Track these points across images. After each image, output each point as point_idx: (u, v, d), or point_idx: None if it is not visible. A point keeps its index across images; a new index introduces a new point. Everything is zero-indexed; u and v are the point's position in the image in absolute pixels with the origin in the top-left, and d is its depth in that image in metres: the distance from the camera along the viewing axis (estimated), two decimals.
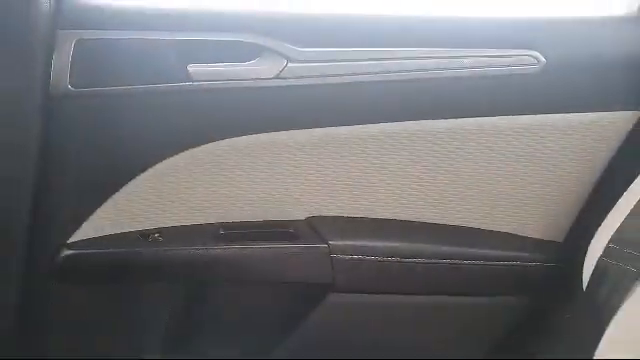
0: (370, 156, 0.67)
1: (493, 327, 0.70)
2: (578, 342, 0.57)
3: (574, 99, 0.63)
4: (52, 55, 0.60)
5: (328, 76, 0.62)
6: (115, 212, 0.66)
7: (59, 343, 0.71)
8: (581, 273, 0.58)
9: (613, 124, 0.63)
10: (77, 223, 0.65)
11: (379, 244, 0.67)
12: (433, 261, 0.67)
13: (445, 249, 0.67)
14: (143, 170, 0.64)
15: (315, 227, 0.69)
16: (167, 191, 0.67)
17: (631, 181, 0.58)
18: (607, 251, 0.57)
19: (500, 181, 0.66)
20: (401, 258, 0.66)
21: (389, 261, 0.66)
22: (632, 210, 0.56)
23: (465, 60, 0.61)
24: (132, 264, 0.67)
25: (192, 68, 0.62)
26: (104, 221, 0.66)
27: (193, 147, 0.65)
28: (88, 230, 0.66)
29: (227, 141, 0.66)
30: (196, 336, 0.67)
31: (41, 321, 0.69)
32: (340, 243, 0.66)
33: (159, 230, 0.67)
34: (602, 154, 0.65)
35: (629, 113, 0.63)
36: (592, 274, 0.57)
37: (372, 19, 0.66)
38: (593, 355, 0.51)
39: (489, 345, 0.72)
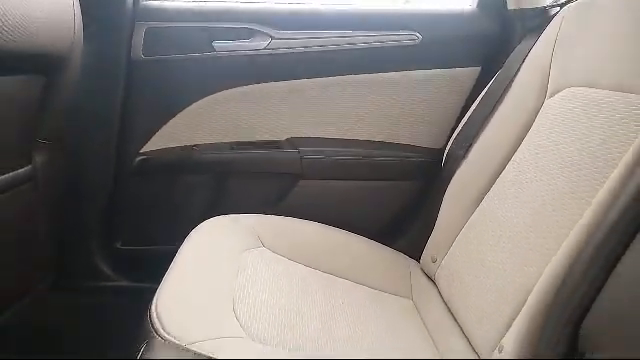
0: (324, 97, 1.09)
1: (397, 201, 1.13)
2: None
3: (439, 61, 1.07)
4: (132, 36, 1.01)
5: (296, 47, 1.04)
6: (169, 133, 1.08)
7: (134, 221, 1.13)
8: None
9: (463, 74, 1.07)
10: (147, 139, 1.07)
11: (330, 149, 1.10)
12: (363, 159, 1.10)
13: (372, 152, 1.11)
14: (187, 106, 1.06)
15: (292, 142, 1.11)
16: (200, 120, 1.08)
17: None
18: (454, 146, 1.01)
19: (398, 110, 1.09)
20: (344, 157, 1.10)
21: (336, 159, 1.10)
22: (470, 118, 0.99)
23: (373, 37, 1.03)
24: (180, 165, 1.09)
25: (215, 43, 1.03)
26: (162, 138, 1.08)
27: (215, 92, 1.07)
28: (153, 144, 1.08)
29: (236, 89, 1.07)
30: (222, 206, 1.09)
31: (123, 203, 1.11)
32: (306, 149, 1.09)
33: (196, 144, 1.09)
34: (457, 91, 1.08)
35: (472, 68, 1.07)
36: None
37: (321, 11, 1.07)
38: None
39: (392, 214, 1.15)
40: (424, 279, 0.97)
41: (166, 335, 0.59)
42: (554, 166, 0.73)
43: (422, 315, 0.88)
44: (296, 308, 0.76)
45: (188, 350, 0.57)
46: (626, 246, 0.51)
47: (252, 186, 1.10)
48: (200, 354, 0.56)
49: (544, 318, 0.59)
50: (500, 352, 0.66)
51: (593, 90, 0.74)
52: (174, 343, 0.58)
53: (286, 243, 0.94)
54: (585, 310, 0.53)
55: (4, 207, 0.81)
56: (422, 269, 0.99)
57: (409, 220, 1.12)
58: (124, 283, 1.12)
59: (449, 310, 0.84)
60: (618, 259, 0.51)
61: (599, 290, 0.53)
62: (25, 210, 0.89)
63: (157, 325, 0.60)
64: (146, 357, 0.57)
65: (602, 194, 0.58)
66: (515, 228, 0.75)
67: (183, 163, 1.08)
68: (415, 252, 1.02)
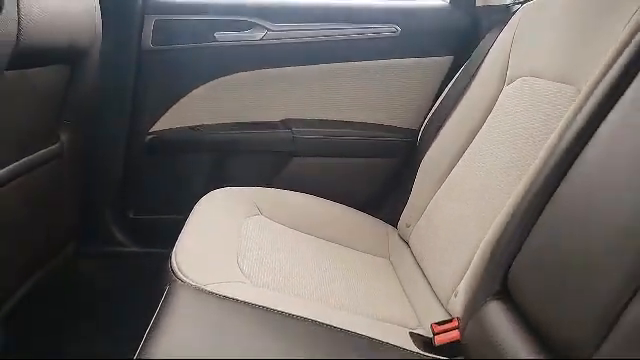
0: (314, 83, 1.22)
1: (379, 176, 1.28)
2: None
3: (415, 51, 1.20)
4: (142, 28, 1.13)
5: (289, 38, 1.17)
6: (176, 114, 1.20)
7: (145, 193, 1.26)
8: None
9: (437, 63, 1.21)
10: (156, 119, 1.20)
11: (319, 129, 1.23)
12: (347, 138, 1.24)
13: (356, 132, 1.24)
14: (191, 90, 1.19)
15: (285, 123, 1.24)
16: (203, 103, 1.21)
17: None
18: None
19: (379, 95, 1.22)
20: (332, 136, 1.23)
21: (325, 139, 1.23)
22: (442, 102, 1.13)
23: (357, 29, 1.16)
24: (186, 143, 1.22)
25: (217, 34, 1.15)
26: (170, 119, 1.21)
27: (216, 78, 1.20)
28: (162, 124, 1.20)
29: (235, 75, 1.20)
30: (223, 180, 1.22)
31: (135, 177, 1.24)
32: (299, 129, 1.23)
33: (200, 125, 1.22)
34: (432, 78, 1.22)
35: (445, 57, 1.20)
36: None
37: (311, 6, 1.19)
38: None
39: (374, 187, 1.29)
40: (400, 242, 1.12)
41: (185, 279, 0.73)
42: (502, 143, 0.88)
43: (396, 270, 1.04)
44: (291, 264, 0.91)
45: (203, 290, 0.71)
46: (544, 206, 0.66)
47: (250, 162, 1.24)
48: (212, 292, 0.71)
49: (486, 265, 0.74)
50: (455, 297, 0.81)
51: (540, 80, 0.88)
52: (191, 285, 0.72)
53: (281, 212, 1.08)
54: (513, 257, 0.69)
55: (37, 181, 0.94)
56: (398, 234, 1.15)
57: (389, 192, 1.27)
58: (136, 249, 1.26)
59: (418, 265, 0.99)
60: (538, 216, 0.66)
61: (523, 241, 0.68)
62: (54, 183, 1.02)
63: (177, 272, 0.75)
64: (169, 297, 0.71)
65: (532, 167, 0.73)
66: (473, 193, 0.90)
67: (188, 141, 1.21)
68: (394, 220, 1.17)
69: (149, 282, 0.81)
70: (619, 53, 0.71)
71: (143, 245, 1.26)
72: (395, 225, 1.16)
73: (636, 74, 0.66)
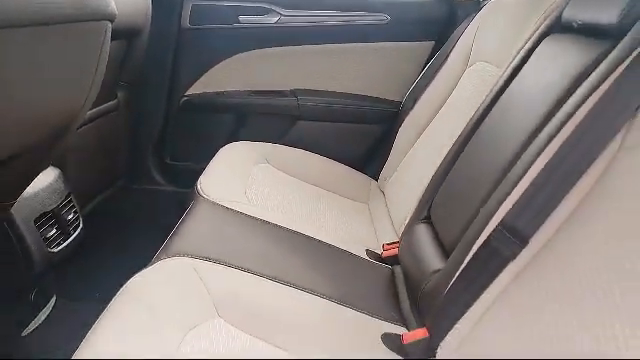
0: (317, 59, 1.48)
1: (368, 139, 1.54)
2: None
3: (402, 36, 1.44)
4: (182, 10, 1.42)
5: (298, 22, 1.43)
6: (206, 82, 1.49)
7: (179, 143, 1.57)
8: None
9: (421, 47, 1.45)
10: (189, 85, 1.49)
11: (320, 98, 1.50)
12: (343, 106, 1.50)
13: (350, 101, 1.51)
14: (218, 62, 1.47)
15: (293, 92, 1.52)
16: (228, 73, 1.49)
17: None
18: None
19: (371, 71, 1.48)
20: (330, 104, 1.50)
21: (324, 106, 1.50)
22: (420, 78, 1.38)
23: (354, 16, 1.41)
24: (213, 105, 1.51)
25: (241, 17, 1.43)
26: (201, 85, 1.50)
27: (239, 53, 1.47)
28: (194, 89, 1.50)
29: (254, 51, 1.47)
30: (240, 136, 1.51)
31: (171, 131, 1.54)
32: (303, 97, 1.50)
33: (225, 91, 1.51)
34: (416, 59, 1.46)
35: (427, 42, 1.44)
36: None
37: None
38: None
39: (363, 148, 1.55)
40: (378, 192, 1.39)
41: (206, 197, 1.03)
42: (453, 112, 1.13)
43: (371, 212, 1.31)
44: (288, 201, 1.19)
45: (218, 205, 1.01)
46: (462, 150, 0.92)
47: (263, 123, 1.52)
48: (224, 206, 1.01)
49: (422, 198, 1.01)
50: (404, 226, 1.08)
51: (487, 65, 1.12)
52: (210, 201, 1.02)
53: (284, 163, 1.36)
54: (437, 190, 0.95)
55: (100, 129, 1.26)
56: (378, 186, 1.41)
57: (374, 152, 1.53)
58: (170, 188, 1.58)
59: (386, 205, 1.26)
60: (457, 159, 0.93)
61: (445, 177, 0.94)
62: (112, 131, 1.34)
63: (200, 191, 1.05)
64: (193, 208, 1.01)
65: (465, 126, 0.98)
66: (430, 149, 1.16)
67: (214, 104, 1.50)
68: (377, 175, 1.44)
69: (179, 212, 1.11)
70: (527, 40, 0.95)
71: (175, 185, 1.57)
72: (377, 179, 1.43)
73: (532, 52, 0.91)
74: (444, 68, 1.32)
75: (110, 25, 0.72)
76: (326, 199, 1.28)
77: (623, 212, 0.51)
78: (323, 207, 1.22)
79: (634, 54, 0.63)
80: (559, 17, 0.91)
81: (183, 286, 0.75)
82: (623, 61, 0.65)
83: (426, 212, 0.98)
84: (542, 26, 0.93)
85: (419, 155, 1.22)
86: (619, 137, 0.55)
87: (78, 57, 0.70)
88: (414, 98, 1.37)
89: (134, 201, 1.53)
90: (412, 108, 1.36)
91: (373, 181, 1.45)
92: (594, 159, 0.56)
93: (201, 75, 1.48)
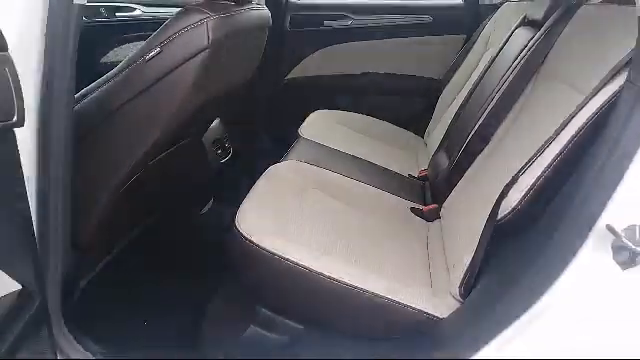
0: (378, 50, 2.06)
1: (414, 107, 2.08)
2: None
3: (441, 31, 1.98)
4: (285, 17, 2.05)
5: (364, 24, 2.02)
6: (302, 68, 2.12)
7: (283, 118, 2.20)
8: None
9: (455, 39, 1.98)
10: (289, 70, 2.12)
11: (383, 80, 2.07)
12: (400, 83, 2.06)
13: (400, 80, 2.07)
14: (312, 53, 2.09)
15: (364, 74, 2.10)
16: (317, 62, 2.10)
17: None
18: None
19: (420, 55, 2.02)
20: (390, 83, 2.07)
21: (387, 84, 2.07)
22: (454, 62, 1.91)
23: (405, 18, 1.97)
24: (306, 86, 2.13)
25: (325, 22, 2.04)
26: (298, 70, 2.12)
27: (325, 47, 2.08)
28: (293, 74, 2.13)
29: (335, 45, 2.07)
30: (327, 107, 2.11)
31: (277, 106, 2.18)
32: (371, 78, 2.08)
33: (315, 75, 2.12)
34: (452, 48, 1.99)
35: (460, 36, 1.96)
36: None
37: (378, 4, 2.02)
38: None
39: (408, 115, 2.10)
40: (422, 145, 1.93)
41: (305, 137, 1.66)
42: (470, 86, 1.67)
43: (416, 152, 1.86)
44: (356, 143, 1.77)
45: (315, 142, 1.63)
46: (468, 100, 1.47)
47: (341, 97, 2.12)
48: (321, 144, 1.62)
49: (445, 134, 1.56)
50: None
51: (492, 50, 1.63)
52: (311, 140, 1.64)
53: (353, 124, 1.93)
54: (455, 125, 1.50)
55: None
56: (424, 142, 1.96)
57: (422, 115, 2.07)
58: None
59: (427, 148, 1.81)
60: (466, 105, 1.47)
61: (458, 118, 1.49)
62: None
63: (302, 135, 1.67)
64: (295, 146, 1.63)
65: (469, 91, 1.52)
66: (455, 103, 1.69)
67: (308, 85, 2.13)
68: (421, 133, 1.98)
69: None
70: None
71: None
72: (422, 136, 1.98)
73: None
74: (470, 54, 1.85)
75: None
76: (382, 146, 1.86)
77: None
78: (379, 148, 1.80)
79: None
80: None
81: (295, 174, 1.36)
82: None
83: (447, 142, 1.52)
84: None
85: (451, 110, 1.75)
86: None
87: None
88: (450, 75, 1.91)
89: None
90: (448, 83, 1.90)
91: (419, 138, 2.00)
92: None
93: (297, 64, 2.11)
